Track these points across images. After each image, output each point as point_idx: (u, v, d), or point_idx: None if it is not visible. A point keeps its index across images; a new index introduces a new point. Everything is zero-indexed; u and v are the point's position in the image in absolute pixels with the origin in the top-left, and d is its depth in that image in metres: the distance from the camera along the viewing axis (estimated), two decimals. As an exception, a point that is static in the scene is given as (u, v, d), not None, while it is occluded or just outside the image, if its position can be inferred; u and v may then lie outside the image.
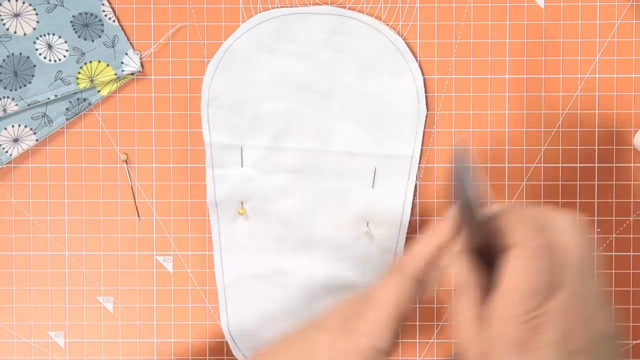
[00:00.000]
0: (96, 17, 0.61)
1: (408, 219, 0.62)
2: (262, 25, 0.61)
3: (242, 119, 0.62)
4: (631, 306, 0.62)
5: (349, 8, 0.62)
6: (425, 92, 0.62)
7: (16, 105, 0.61)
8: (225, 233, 0.62)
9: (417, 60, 0.61)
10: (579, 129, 0.62)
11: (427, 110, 0.62)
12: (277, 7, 0.62)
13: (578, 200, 0.62)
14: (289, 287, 0.62)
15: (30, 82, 0.61)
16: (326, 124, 0.61)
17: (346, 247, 0.62)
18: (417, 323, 0.63)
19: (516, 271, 0.43)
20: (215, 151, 0.62)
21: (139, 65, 0.62)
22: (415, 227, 0.62)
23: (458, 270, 0.45)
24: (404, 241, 0.62)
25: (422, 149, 0.62)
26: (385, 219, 0.62)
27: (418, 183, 0.62)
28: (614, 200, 0.62)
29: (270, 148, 0.62)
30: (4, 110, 0.61)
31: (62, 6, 0.61)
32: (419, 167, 0.62)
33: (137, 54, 0.62)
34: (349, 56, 0.61)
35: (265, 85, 0.62)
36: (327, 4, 0.62)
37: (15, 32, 0.61)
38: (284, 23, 0.61)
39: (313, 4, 0.62)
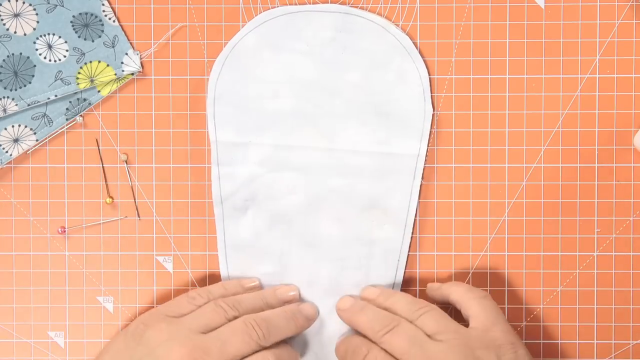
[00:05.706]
0: (96, 17, 0.61)
1: (413, 219, 0.62)
2: (268, 23, 0.61)
3: (248, 117, 0.62)
4: (631, 306, 0.62)
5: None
6: (427, 92, 0.62)
7: (16, 105, 0.61)
8: (230, 231, 0.62)
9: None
10: (579, 129, 0.62)
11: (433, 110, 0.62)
12: (278, 7, 0.62)
13: (578, 200, 0.62)
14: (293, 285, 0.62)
15: (30, 82, 0.61)
16: (332, 122, 0.61)
17: (350, 245, 0.62)
18: (418, 323, 0.63)
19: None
20: (221, 149, 0.62)
21: (139, 65, 0.62)
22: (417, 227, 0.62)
23: None
24: (409, 241, 0.62)
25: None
26: (390, 218, 0.62)
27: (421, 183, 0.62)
28: (614, 200, 0.62)
29: (276, 146, 0.61)
30: (4, 110, 0.61)
31: (62, 6, 0.61)
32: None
33: (137, 54, 0.62)
34: (356, 54, 0.61)
35: (271, 83, 0.61)
36: (329, 2, 0.62)
37: (15, 32, 0.61)
38: (291, 21, 0.61)
39: (318, 2, 0.62)
